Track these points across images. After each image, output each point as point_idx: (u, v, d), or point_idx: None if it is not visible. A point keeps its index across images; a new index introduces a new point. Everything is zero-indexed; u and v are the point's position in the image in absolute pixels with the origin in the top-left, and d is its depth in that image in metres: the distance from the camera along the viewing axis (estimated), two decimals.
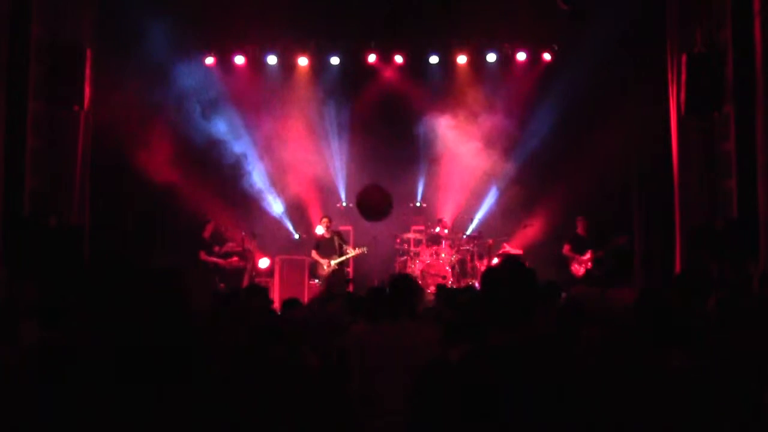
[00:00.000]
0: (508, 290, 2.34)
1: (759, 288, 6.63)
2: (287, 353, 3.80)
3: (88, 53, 9.94)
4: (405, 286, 4.32)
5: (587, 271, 11.02)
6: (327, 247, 11.40)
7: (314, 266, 11.64)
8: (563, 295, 5.69)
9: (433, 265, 11.79)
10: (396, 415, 3.60)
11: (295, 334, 4.15)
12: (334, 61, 12.95)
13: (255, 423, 3.13)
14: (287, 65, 13.03)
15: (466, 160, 12.39)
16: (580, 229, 11.34)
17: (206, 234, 11.44)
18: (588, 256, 11.07)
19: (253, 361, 3.62)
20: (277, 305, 8.41)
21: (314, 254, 11.47)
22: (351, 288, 11.41)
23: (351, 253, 11.48)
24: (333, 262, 11.29)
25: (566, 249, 11.26)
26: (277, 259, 12.24)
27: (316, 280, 11.60)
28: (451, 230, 12.36)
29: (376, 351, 3.99)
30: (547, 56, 12.72)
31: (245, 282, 11.41)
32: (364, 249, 11.58)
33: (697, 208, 10.00)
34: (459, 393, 2.20)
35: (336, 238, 11.45)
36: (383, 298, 4.44)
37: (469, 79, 12.89)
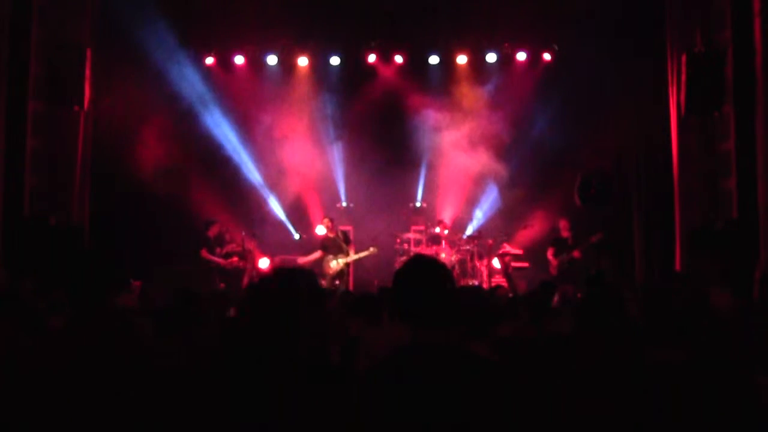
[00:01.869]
0: (419, 290, 2.32)
1: (759, 289, 6.63)
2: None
3: (88, 53, 9.94)
4: None
5: (559, 272, 11.00)
6: (334, 247, 11.43)
7: (319, 265, 11.64)
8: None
9: None
10: None
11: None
12: (334, 61, 12.95)
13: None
14: (287, 65, 13.03)
15: (465, 160, 12.39)
16: (563, 232, 11.32)
17: (211, 233, 11.43)
18: (563, 257, 11.05)
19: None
20: None
21: (320, 254, 11.48)
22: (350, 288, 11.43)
23: (363, 253, 11.52)
24: (342, 261, 11.32)
25: (549, 253, 11.27)
26: (277, 259, 12.23)
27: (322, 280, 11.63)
28: (451, 230, 12.36)
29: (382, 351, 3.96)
30: (547, 56, 12.72)
31: (245, 282, 11.41)
32: (372, 249, 11.60)
33: (697, 208, 10.00)
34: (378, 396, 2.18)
35: (342, 238, 11.49)
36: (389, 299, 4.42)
37: (469, 79, 12.89)
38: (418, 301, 2.30)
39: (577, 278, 9.93)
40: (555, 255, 11.17)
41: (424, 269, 2.36)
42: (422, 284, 2.32)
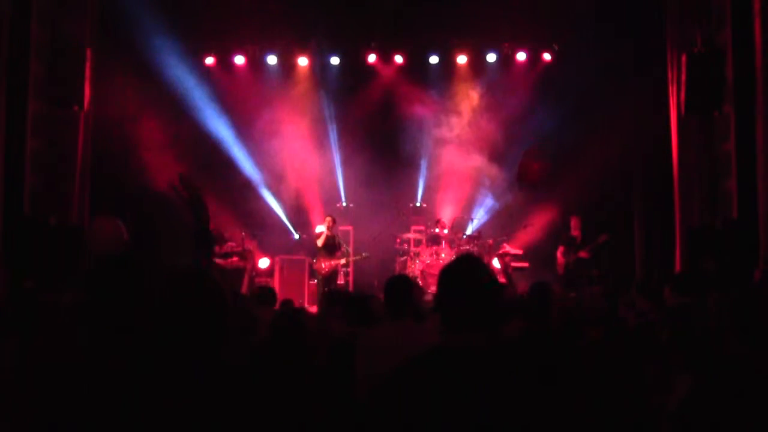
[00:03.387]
0: (464, 290, 2.22)
1: (759, 289, 6.61)
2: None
3: (88, 53, 9.93)
4: (404, 286, 4.30)
5: (565, 271, 11.02)
6: (329, 247, 11.45)
7: (314, 265, 11.70)
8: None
9: (433, 265, 11.78)
10: None
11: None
12: (334, 61, 12.97)
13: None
14: (287, 65, 13.04)
15: (466, 160, 12.39)
16: (573, 230, 11.33)
17: None
18: (570, 256, 11.07)
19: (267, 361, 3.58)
20: (276, 305, 8.41)
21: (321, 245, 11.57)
22: (350, 289, 11.46)
23: (355, 257, 11.62)
24: (333, 262, 11.34)
25: (559, 251, 11.26)
26: (277, 259, 12.24)
27: (315, 280, 11.65)
28: (451, 230, 12.36)
29: (382, 352, 3.95)
30: (547, 56, 12.73)
31: (245, 282, 11.41)
32: (364, 254, 11.71)
33: (697, 208, 10.00)
34: (406, 399, 2.10)
35: (337, 239, 11.52)
36: (387, 299, 4.40)
37: (469, 79, 12.90)
38: (467, 303, 2.20)
39: (583, 278, 9.98)
40: (564, 254, 11.17)
41: (474, 271, 2.26)
42: (473, 286, 2.22)
